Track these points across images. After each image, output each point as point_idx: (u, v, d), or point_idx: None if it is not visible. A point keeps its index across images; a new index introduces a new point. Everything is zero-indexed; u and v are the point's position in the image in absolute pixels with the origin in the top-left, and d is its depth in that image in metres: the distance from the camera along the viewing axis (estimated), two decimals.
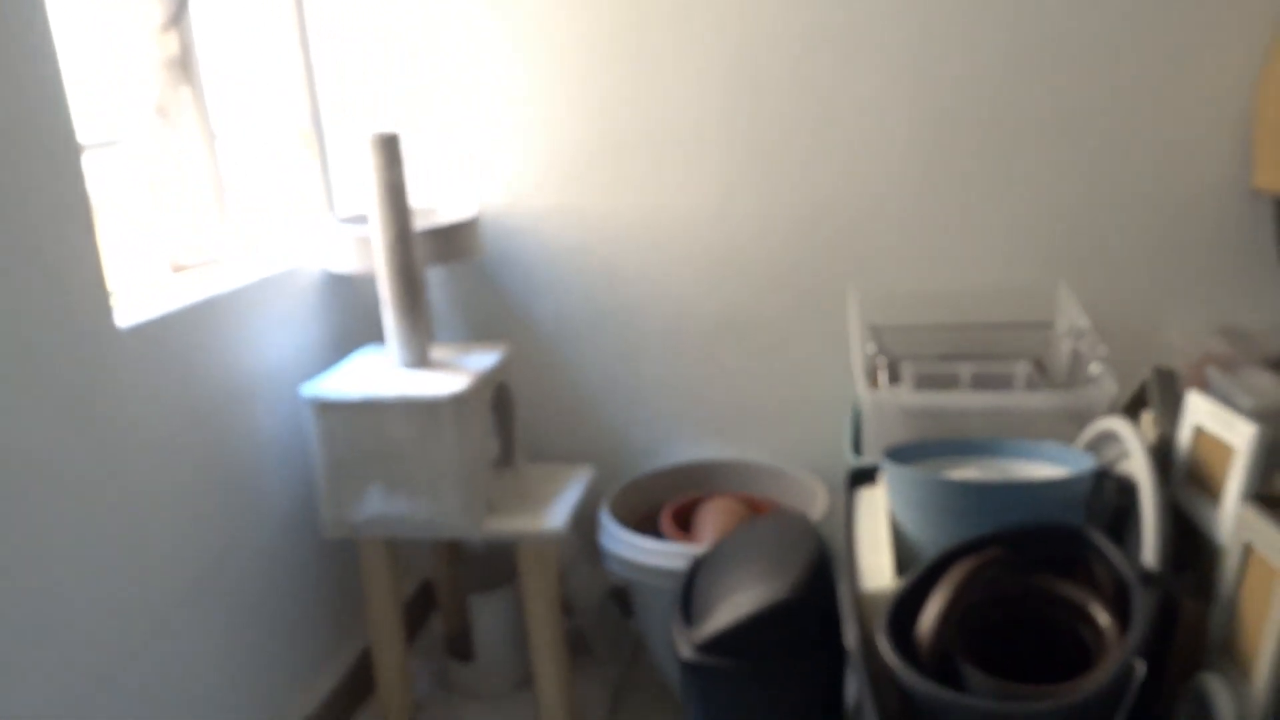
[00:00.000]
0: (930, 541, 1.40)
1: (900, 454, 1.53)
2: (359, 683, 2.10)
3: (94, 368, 1.43)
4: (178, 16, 1.89)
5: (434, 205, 2.17)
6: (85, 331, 1.41)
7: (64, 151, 1.37)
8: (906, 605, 1.29)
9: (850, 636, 1.27)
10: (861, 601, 1.34)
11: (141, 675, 1.53)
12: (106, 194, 1.73)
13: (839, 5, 1.91)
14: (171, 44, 1.90)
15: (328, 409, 1.79)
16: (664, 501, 2.15)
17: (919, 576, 1.31)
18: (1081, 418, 1.59)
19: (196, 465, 1.67)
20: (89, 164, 1.44)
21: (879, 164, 1.99)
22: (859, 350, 1.80)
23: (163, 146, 1.89)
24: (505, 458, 2.06)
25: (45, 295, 1.33)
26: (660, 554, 1.86)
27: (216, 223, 1.94)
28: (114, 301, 1.47)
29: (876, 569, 1.39)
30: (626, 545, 1.91)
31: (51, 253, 1.35)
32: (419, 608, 2.37)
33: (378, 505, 1.82)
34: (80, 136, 1.41)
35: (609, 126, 2.08)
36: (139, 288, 1.75)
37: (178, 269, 1.90)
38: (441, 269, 2.24)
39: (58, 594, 1.36)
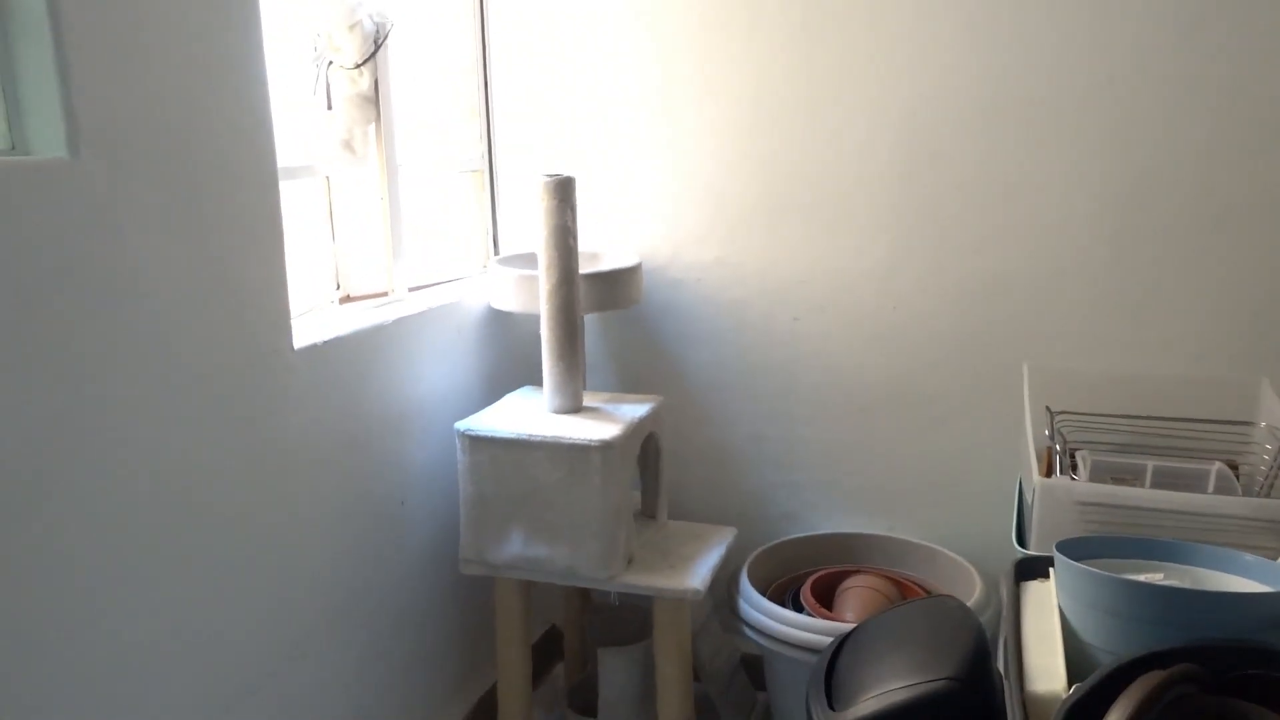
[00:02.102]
0: (1107, 647, 1.29)
1: (1075, 548, 1.42)
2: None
3: (270, 385, 1.47)
4: (372, 54, 1.96)
5: (598, 250, 2.18)
6: (266, 349, 1.45)
7: (265, 177, 1.43)
8: (1081, 713, 1.19)
9: None
10: (1029, 704, 1.24)
11: (280, 693, 1.55)
12: (289, 221, 1.80)
13: (1030, 75, 1.85)
14: (364, 80, 1.97)
15: (478, 444, 1.80)
16: (804, 570, 2.07)
17: (1097, 683, 1.21)
18: None
19: (349, 488, 1.70)
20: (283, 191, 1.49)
21: (1062, 238, 1.90)
22: (1031, 433, 1.70)
23: (347, 178, 1.96)
24: (648, 510, 2.03)
25: (235, 310, 1.38)
26: (801, 628, 1.79)
27: (389, 255, 1.99)
28: (293, 323, 1.52)
29: (1047, 671, 1.28)
30: (765, 615, 1.84)
31: (246, 270, 1.40)
32: (544, 653, 2.34)
33: (518, 547, 1.81)
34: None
35: (779, 182, 2.06)
36: (311, 314, 1.81)
37: (345, 300, 1.96)
38: (598, 315, 2.24)
39: (208, 605, 1.39)
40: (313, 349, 1.58)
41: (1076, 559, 1.39)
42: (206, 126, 1.31)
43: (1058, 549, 1.40)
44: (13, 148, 1.13)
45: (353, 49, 1.89)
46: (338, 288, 1.94)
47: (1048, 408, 1.77)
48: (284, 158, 1.75)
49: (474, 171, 2.29)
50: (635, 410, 1.88)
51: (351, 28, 1.87)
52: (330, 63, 1.88)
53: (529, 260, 2.04)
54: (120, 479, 1.22)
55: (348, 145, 1.96)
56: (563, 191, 1.80)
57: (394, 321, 1.81)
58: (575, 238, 1.83)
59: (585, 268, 1.96)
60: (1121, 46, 1.79)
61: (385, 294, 1.98)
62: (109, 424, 1.20)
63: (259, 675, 1.50)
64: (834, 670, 1.55)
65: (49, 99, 1.11)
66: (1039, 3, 1.82)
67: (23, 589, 1.11)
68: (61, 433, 1.14)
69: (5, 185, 1.06)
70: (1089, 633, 1.32)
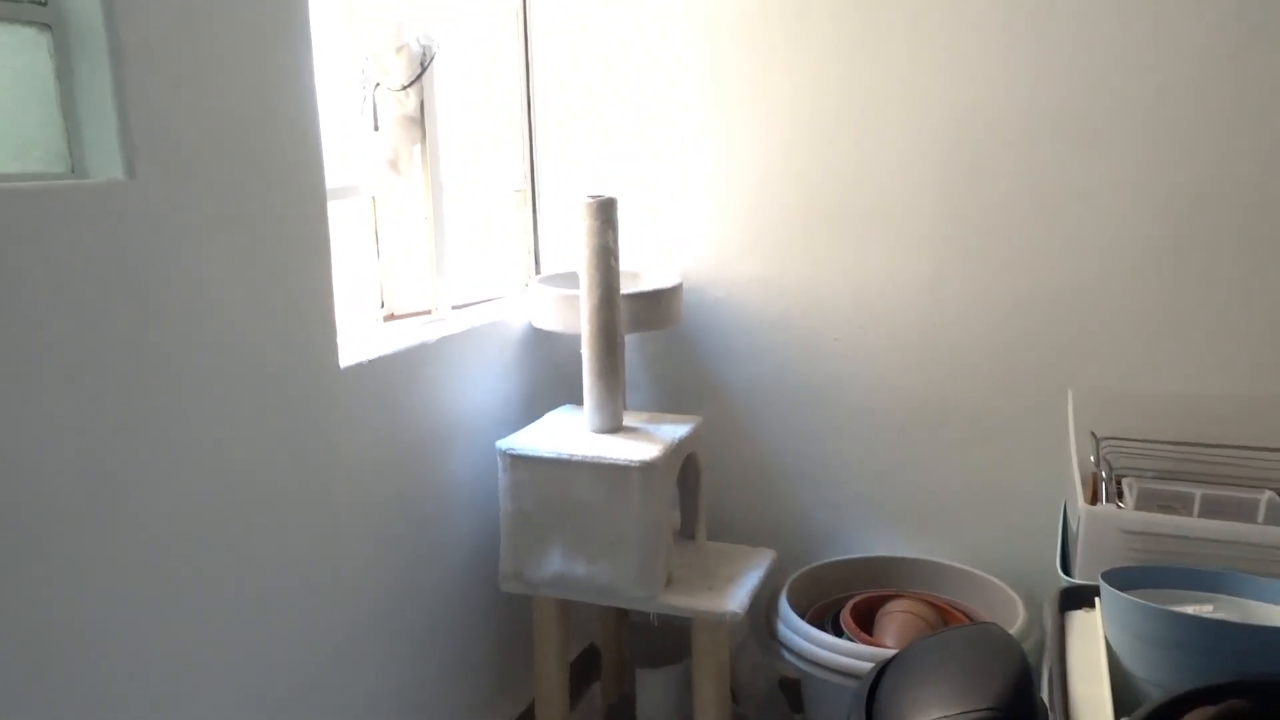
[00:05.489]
0: (1155, 680, 1.27)
1: (1122, 578, 1.40)
2: None
3: (316, 402, 1.49)
4: (418, 76, 1.99)
5: (639, 269, 2.19)
6: (313, 367, 1.47)
7: (315, 196, 1.45)
8: None
9: None
10: None
11: (322, 700, 1.56)
12: (335, 240, 1.83)
13: (1077, 86, 1.83)
14: (410, 102, 2.00)
15: (519, 463, 1.81)
16: (844, 593, 2.06)
17: (1145, 718, 1.19)
18: None
19: (390, 502, 1.71)
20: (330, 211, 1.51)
21: (1107, 253, 1.87)
22: (1075, 459, 1.68)
23: (392, 198, 1.98)
24: (687, 530, 2.03)
25: (284, 327, 1.41)
26: (841, 652, 1.77)
27: (433, 273, 2.01)
28: (339, 341, 1.54)
29: (1093, 702, 1.26)
30: (805, 639, 1.83)
31: (295, 288, 1.42)
32: (582, 671, 2.34)
33: (557, 565, 1.81)
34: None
35: (821, 200, 2.05)
36: (355, 332, 1.83)
37: (389, 318, 1.97)
38: (638, 334, 2.24)
39: (255, 612, 1.41)
40: (358, 367, 1.60)
41: (1123, 589, 1.37)
42: (258, 147, 1.34)
43: (1104, 579, 1.38)
44: (72, 170, 1.16)
45: (399, 71, 1.92)
46: (382, 306, 1.96)
47: (1093, 433, 1.74)
48: (332, 177, 1.78)
49: (517, 191, 2.30)
50: (675, 430, 1.88)
51: (399, 50, 1.89)
52: (378, 85, 1.91)
53: (570, 279, 2.05)
54: (170, 486, 1.25)
55: (394, 165, 1.99)
56: (605, 212, 1.81)
57: (437, 340, 1.83)
58: (617, 258, 1.83)
59: (626, 287, 1.96)
60: (1173, 56, 1.76)
61: (428, 312, 2.00)
62: (161, 436, 1.22)
63: (303, 681, 1.51)
64: (875, 696, 1.53)
65: (106, 123, 1.14)
66: (1086, 13, 1.80)
67: (78, 593, 1.13)
68: (116, 442, 1.16)
69: (65, 207, 1.08)
70: (1137, 665, 1.30)
